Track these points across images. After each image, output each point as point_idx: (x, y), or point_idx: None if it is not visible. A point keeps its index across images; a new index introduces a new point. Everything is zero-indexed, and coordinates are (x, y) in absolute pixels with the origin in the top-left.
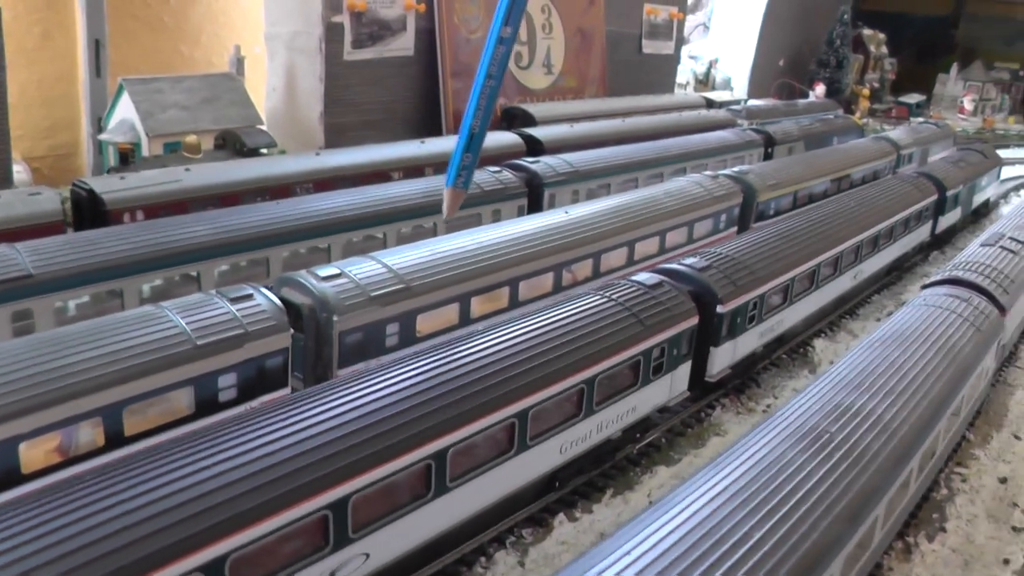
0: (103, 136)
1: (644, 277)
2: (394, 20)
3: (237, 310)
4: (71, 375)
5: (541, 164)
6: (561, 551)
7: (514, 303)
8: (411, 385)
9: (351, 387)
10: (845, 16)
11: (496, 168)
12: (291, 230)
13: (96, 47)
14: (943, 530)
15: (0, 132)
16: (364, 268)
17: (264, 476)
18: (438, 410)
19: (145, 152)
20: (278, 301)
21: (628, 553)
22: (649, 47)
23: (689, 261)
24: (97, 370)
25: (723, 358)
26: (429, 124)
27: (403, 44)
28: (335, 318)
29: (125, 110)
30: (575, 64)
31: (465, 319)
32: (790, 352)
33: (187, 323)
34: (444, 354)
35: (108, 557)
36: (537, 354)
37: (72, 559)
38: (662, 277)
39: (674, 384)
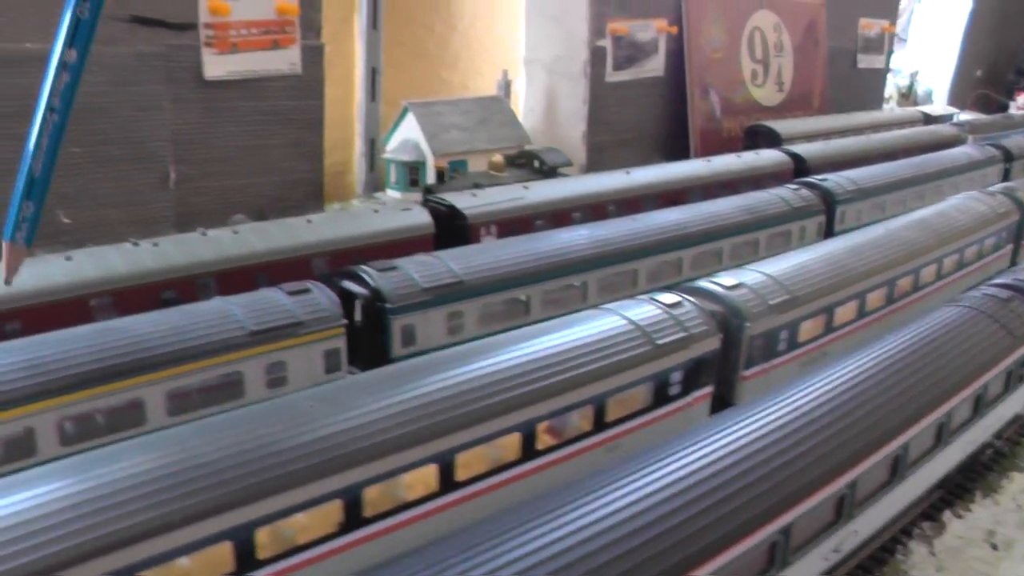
0: (387, 155)
1: (994, 290)
2: (647, 42)
3: (676, 314)
4: (570, 369)
5: (831, 182)
6: (960, 544)
7: (861, 314)
8: (871, 387)
9: (814, 389)
10: None
11: (794, 186)
12: (653, 244)
13: (372, 74)
14: None
15: (316, 152)
16: (754, 278)
17: (805, 460)
18: (902, 407)
19: (430, 170)
20: (704, 307)
21: None
22: (863, 61)
23: (1022, 276)
24: (588, 365)
25: None
26: (675, 142)
27: (654, 65)
28: (747, 324)
29: (408, 131)
30: (802, 81)
31: (828, 328)
32: None
33: (643, 324)
34: (864, 361)
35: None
36: (949, 360)
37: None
38: (1012, 291)
39: None
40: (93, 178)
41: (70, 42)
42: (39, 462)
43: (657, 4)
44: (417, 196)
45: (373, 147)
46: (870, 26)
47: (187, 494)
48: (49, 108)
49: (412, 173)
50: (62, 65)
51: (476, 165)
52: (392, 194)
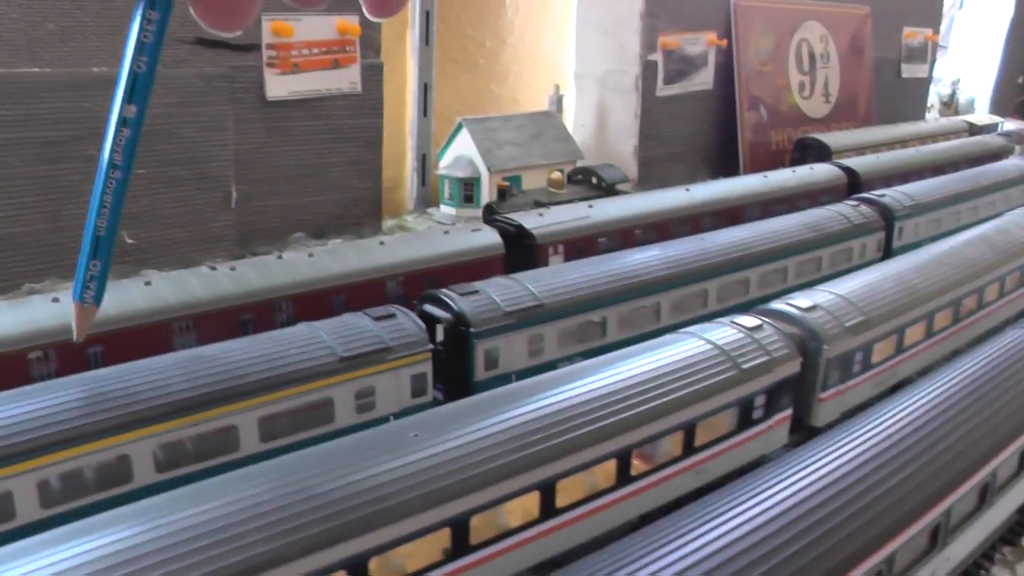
0: (441, 171)
1: None
2: (697, 56)
3: (758, 338)
4: (663, 395)
5: (889, 198)
6: None
7: (929, 334)
8: (957, 412)
9: (900, 415)
10: None
11: (853, 202)
12: (721, 264)
13: (424, 90)
14: None
15: (375, 170)
16: (828, 300)
17: (904, 488)
18: (989, 433)
19: (485, 187)
20: (786, 331)
21: None
22: (907, 71)
23: None
24: (680, 391)
25: None
26: (724, 155)
27: (704, 79)
28: (825, 347)
29: (463, 147)
30: (848, 91)
31: (899, 349)
32: None
33: (727, 348)
34: (943, 385)
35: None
36: None
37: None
38: None
39: None
40: (158, 198)
41: (129, 97)
42: (134, 489)
43: (707, 17)
44: (472, 212)
45: (425, 162)
46: (914, 35)
47: (305, 525)
48: (111, 165)
49: (467, 189)
50: (122, 121)
51: (529, 181)
52: (446, 210)
